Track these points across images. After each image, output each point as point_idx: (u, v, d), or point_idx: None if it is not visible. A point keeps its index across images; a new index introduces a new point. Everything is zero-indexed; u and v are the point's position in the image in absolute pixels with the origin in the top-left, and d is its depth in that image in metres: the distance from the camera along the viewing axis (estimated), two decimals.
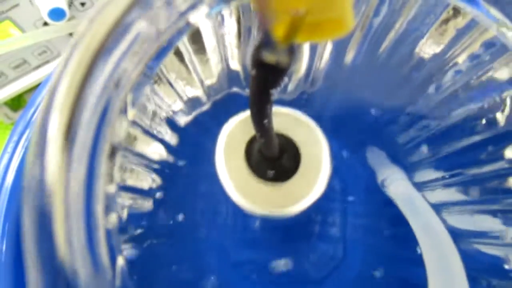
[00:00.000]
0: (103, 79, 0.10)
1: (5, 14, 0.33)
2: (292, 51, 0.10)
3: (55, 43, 0.36)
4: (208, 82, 0.21)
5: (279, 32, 0.09)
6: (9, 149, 0.18)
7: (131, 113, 0.13)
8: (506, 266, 0.18)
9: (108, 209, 0.11)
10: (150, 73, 0.12)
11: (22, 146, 0.18)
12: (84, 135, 0.10)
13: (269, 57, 0.09)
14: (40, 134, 0.10)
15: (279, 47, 0.09)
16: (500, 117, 0.18)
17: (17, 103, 0.38)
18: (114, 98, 0.10)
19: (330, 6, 0.10)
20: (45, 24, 0.34)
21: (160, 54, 0.12)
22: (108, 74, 0.10)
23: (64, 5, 0.32)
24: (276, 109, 0.18)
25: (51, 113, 0.09)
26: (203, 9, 0.12)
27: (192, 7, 0.11)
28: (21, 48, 0.32)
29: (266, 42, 0.09)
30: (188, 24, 0.12)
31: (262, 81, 0.11)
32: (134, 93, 0.12)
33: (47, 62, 0.37)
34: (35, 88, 0.36)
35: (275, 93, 0.11)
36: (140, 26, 0.10)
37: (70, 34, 0.35)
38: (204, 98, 0.22)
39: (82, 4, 0.35)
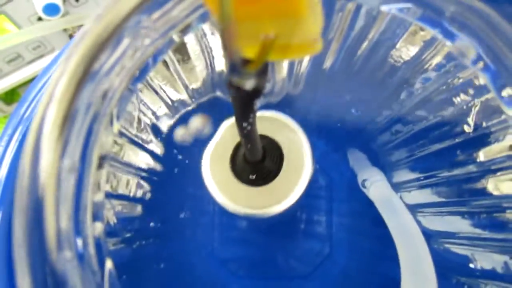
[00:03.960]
0: (91, 93, 0.11)
1: (0, 9, 0.34)
2: (263, 73, 0.10)
3: (49, 38, 0.36)
4: (193, 86, 0.21)
5: (250, 54, 0.10)
6: (3, 143, 0.18)
7: (117, 125, 0.13)
8: (472, 265, 0.19)
9: (96, 215, 0.12)
10: (135, 87, 0.13)
11: (16, 140, 0.18)
12: (73, 145, 0.11)
13: (239, 82, 0.10)
14: (34, 140, 0.10)
15: (248, 72, 0.10)
16: (468, 124, 0.18)
17: (10, 97, 0.39)
18: (101, 110, 0.11)
19: (298, 31, 0.10)
20: (40, 19, 0.35)
21: (144, 69, 0.12)
22: (95, 88, 0.11)
23: (58, 1, 0.33)
24: (260, 113, 0.19)
25: (44, 121, 0.10)
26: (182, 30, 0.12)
27: (173, 27, 0.12)
28: None
29: (233, 69, 0.10)
30: (171, 40, 0.13)
31: (241, 98, 0.11)
32: (119, 106, 0.12)
33: (41, 56, 0.37)
34: (29, 82, 0.37)
35: (258, 102, 0.12)
36: (127, 42, 0.11)
37: (65, 30, 0.36)
38: (188, 101, 0.22)
39: None
